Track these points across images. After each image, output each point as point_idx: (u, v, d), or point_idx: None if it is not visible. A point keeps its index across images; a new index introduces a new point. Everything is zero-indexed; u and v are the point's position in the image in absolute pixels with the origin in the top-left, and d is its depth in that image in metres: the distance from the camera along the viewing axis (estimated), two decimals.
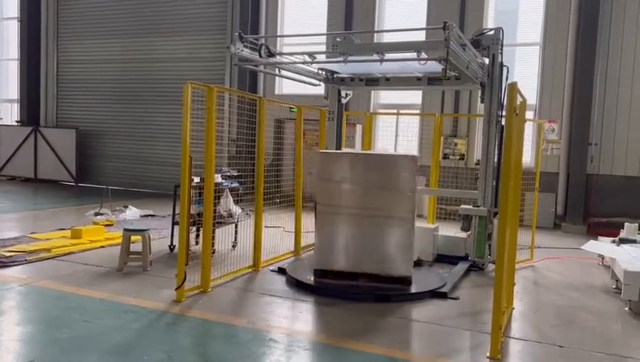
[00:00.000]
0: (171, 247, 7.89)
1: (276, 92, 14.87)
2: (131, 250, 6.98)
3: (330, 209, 6.46)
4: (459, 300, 6.15)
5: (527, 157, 11.44)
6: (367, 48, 7.02)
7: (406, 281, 6.30)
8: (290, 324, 5.35)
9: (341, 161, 6.63)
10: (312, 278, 6.43)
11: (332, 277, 6.38)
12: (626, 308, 6.02)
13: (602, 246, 7.73)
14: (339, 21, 13.77)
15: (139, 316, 5.18)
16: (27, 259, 7.07)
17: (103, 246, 8.05)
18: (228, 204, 7.73)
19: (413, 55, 6.15)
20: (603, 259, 8.12)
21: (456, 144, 12.80)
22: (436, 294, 6.21)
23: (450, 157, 12.69)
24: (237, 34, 6.71)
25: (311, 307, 5.81)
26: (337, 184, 6.44)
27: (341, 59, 6.48)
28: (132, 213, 11.07)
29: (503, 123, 7.06)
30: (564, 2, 11.95)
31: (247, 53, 6.79)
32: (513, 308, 5.82)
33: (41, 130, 17.45)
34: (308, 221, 8.55)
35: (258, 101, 7.18)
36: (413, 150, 12.02)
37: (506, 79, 7.45)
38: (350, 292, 6.11)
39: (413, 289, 6.23)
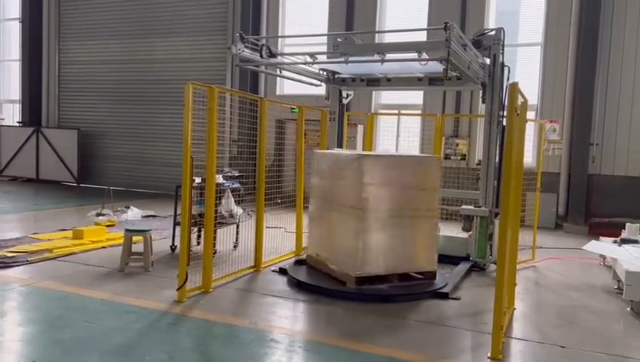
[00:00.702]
0: (173, 248, 7.90)
1: (277, 92, 14.88)
2: (133, 250, 6.99)
3: (370, 214, 6.24)
4: (460, 300, 6.15)
5: (529, 158, 11.43)
6: (369, 49, 7.02)
7: (433, 275, 6.59)
8: (292, 325, 5.35)
9: (381, 163, 6.47)
10: (354, 285, 6.15)
11: (371, 282, 6.22)
12: (628, 309, 6.02)
13: (604, 246, 7.72)
14: (340, 21, 13.77)
15: (140, 316, 5.19)
16: (29, 259, 7.08)
17: (104, 247, 8.06)
18: (229, 204, 7.73)
19: (415, 55, 6.15)
20: (604, 259, 8.11)
21: (457, 144, 12.79)
22: (437, 294, 6.22)
23: (452, 157, 12.68)
24: (238, 34, 6.71)
25: (312, 307, 5.81)
26: (379, 187, 6.29)
27: (342, 59, 6.48)
28: (134, 213, 11.09)
29: (505, 123, 7.05)
30: (565, 2, 11.95)
31: (248, 53, 6.79)
32: (514, 309, 5.82)
33: (42, 130, 17.48)
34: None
35: (259, 101, 7.18)
36: (414, 150, 12.01)
37: (507, 79, 7.45)
38: (394, 294, 6.10)
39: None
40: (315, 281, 6.43)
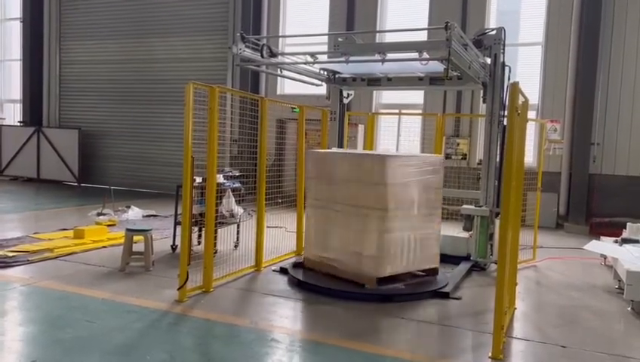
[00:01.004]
0: (173, 247, 7.90)
1: (278, 92, 14.88)
2: (134, 250, 6.99)
3: (390, 214, 6.23)
4: (461, 300, 6.15)
5: (530, 157, 11.42)
6: (369, 48, 7.02)
7: (436, 271, 6.81)
8: (293, 324, 5.35)
9: (403, 163, 6.41)
10: (375, 286, 6.13)
11: (389, 282, 6.24)
12: (629, 308, 6.02)
13: (605, 246, 7.72)
14: (341, 21, 13.77)
15: (141, 316, 5.19)
16: (30, 259, 7.08)
17: (105, 247, 8.06)
18: (230, 204, 7.74)
19: (415, 55, 6.14)
20: (605, 259, 8.11)
21: (458, 144, 12.79)
22: (438, 294, 6.22)
23: (453, 157, 12.68)
24: (239, 34, 6.71)
25: (312, 307, 5.81)
26: (399, 187, 6.29)
27: (343, 59, 6.48)
28: (134, 213, 11.09)
29: (505, 123, 7.05)
30: (565, 1, 11.94)
31: (249, 53, 6.79)
32: (515, 308, 5.82)
33: (43, 130, 17.49)
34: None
35: (260, 101, 7.18)
36: (415, 150, 12.01)
37: (508, 79, 7.44)
38: (411, 293, 6.16)
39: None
40: (318, 282, 6.39)
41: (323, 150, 7.83)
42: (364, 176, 6.37)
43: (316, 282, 6.39)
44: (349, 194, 6.49)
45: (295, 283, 6.49)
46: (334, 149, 8.18)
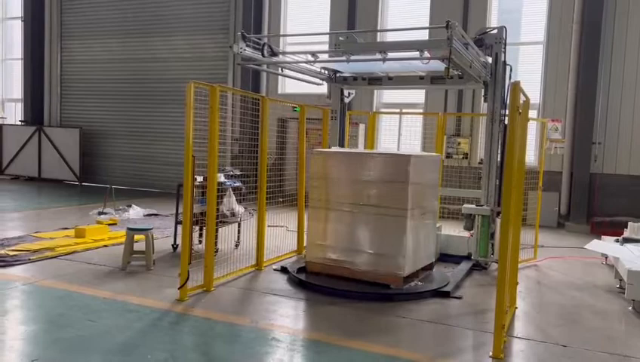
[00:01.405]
0: (174, 246, 7.91)
1: (279, 91, 14.89)
2: (135, 249, 7.00)
3: (409, 212, 6.22)
4: (462, 299, 6.15)
5: (531, 157, 11.41)
6: (370, 47, 7.02)
7: (432, 266, 7.09)
8: (293, 323, 5.35)
9: (420, 163, 6.46)
10: (402, 285, 6.16)
11: (408, 280, 6.31)
12: (630, 308, 6.02)
13: (606, 245, 7.72)
14: (342, 20, 13.77)
15: (142, 315, 5.19)
16: (31, 258, 7.09)
17: (106, 246, 8.07)
18: (231, 203, 7.74)
19: (416, 54, 6.15)
20: (606, 258, 8.10)
21: (459, 143, 12.79)
22: (439, 293, 6.22)
23: (454, 156, 12.68)
24: (240, 33, 6.71)
25: (313, 306, 5.81)
26: (417, 187, 6.33)
27: (344, 58, 6.48)
28: (135, 212, 11.10)
29: (506, 122, 7.04)
30: (567, 0, 11.92)
31: (250, 52, 6.79)
32: (516, 308, 5.82)
33: (44, 129, 17.51)
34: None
35: (261, 100, 7.18)
36: (416, 149, 12.00)
37: (509, 78, 7.44)
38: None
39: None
40: (319, 282, 6.37)
41: (340, 150, 7.67)
42: (385, 176, 6.30)
43: (317, 282, 6.38)
44: (368, 194, 6.38)
45: (296, 283, 6.49)
46: (334, 148, 8.17)
